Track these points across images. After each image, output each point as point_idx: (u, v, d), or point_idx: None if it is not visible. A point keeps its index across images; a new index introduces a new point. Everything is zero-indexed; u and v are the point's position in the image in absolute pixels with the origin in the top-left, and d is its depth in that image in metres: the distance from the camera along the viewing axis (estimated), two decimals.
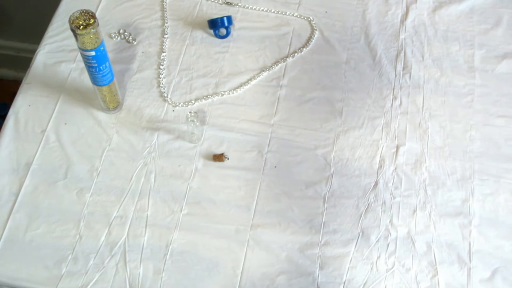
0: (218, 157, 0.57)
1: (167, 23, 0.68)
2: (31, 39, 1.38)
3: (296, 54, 0.66)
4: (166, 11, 0.69)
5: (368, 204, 0.56)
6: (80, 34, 0.48)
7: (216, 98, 0.62)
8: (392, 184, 0.57)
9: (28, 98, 0.61)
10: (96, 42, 0.50)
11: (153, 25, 0.68)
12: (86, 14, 0.48)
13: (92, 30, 0.48)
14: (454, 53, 0.66)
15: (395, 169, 0.58)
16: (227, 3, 0.70)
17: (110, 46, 0.65)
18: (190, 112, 0.56)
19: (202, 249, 0.53)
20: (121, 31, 0.67)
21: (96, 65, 0.52)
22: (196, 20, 0.68)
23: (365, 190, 0.57)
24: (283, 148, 0.59)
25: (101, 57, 0.52)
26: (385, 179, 0.57)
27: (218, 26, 0.65)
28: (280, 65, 0.65)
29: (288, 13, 0.69)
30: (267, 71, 0.64)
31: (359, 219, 0.55)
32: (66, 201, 0.55)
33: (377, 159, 0.59)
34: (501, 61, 0.65)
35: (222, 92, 0.62)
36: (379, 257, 0.53)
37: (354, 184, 0.57)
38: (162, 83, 0.63)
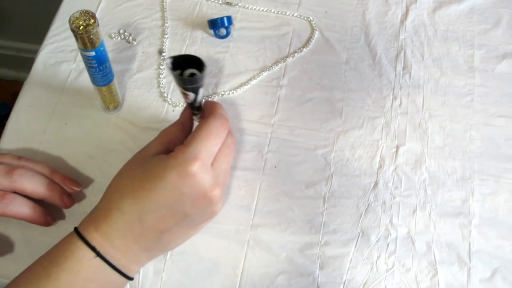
0: None
1: (167, 23, 0.68)
2: (31, 39, 1.39)
3: (296, 54, 0.66)
4: (166, 11, 0.69)
5: (368, 204, 0.56)
6: (80, 34, 0.48)
7: (216, 98, 0.62)
8: (392, 184, 0.57)
9: (28, 98, 0.61)
10: (96, 42, 0.50)
11: (153, 25, 0.68)
12: (86, 14, 0.48)
13: (92, 30, 0.48)
14: (454, 53, 0.66)
15: (395, 169, 0.58)
16: (227, 3, 0.70)
17: (110, 46, 0.65)
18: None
19: (202, 249, 0.53)
20: (121, 31, 0.67)
21: (96, 65, 0.52)
22: (196, 20, 0.68)
23: (365, 190, 0.57)
24: (283, 148, 0.59)
25: (101, 57, 0.52)
26: (385, 179, 0.57)
27: (218, 26, 0.65)
28: (280, 65, 0.65)
29: (288, 13, 0.69)
30: (267, 71, 0.64)
31: (359, 219, 0.55)
32: None
33: (377, 159, 0.59)
34: (501, 61, 0.65)
35: (222, 92, 0.62)
36: (379, 257, 0.53)
37: (354, 184, 0.57)
38: (162, 83, 0.63)
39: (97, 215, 0.44)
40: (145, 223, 0.43)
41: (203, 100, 0.49)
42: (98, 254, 0.42)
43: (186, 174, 0.43)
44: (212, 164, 0.45)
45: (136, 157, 0.48)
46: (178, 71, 0.45)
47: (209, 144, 0.45)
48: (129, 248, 0.44)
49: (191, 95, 0.47)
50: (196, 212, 0.46)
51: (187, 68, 0.45)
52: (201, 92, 0.47)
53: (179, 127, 0.49)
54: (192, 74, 0.45)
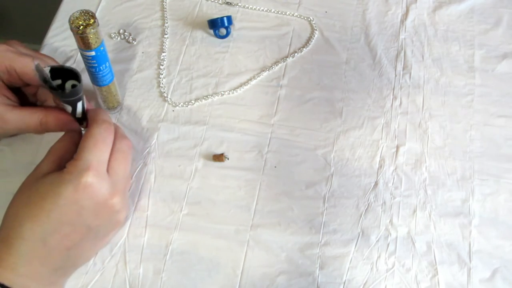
0: (218, 157, 0.57)
1: (167, 23, 0.68)
2: (31, 39, 1.38)
3: (296, 54, 0.66)
4: (166, 11, 0.69)
5: (368, 204, 0.56)
6: (80, 34, 0.48)
7: (216, 98, 0.62)
8: (392, 184, 0.57)
9: None
10: (96, 42, 0.50)
11: (153, 25, 0.68)
12: (86, 14, 0.48)
13: (92, 30, 0.48)
14: (454, 53, 0.66)
15: (395, 169, 0.58)
16: (227, 3, 0.70)
17: (110, 46, 0.65)
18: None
19: (202, 249, 0.53)
20: (121, 31, 0.67)
21: (96, 65, 0.52)
22: (196, 20, 0.68)
23: (365, 190, 0.57)
24: (283, 148, 0.59)
25: (101, 57, 0.52)
26: (385, 179, 0.57)
27: (218, 26, 0.65)
28: (280, 65, 0.65)
29: (288, 13, 0.69)
30: (267, 71, 0.64)
31: (359, 219, 0.55)
32: None
33: (377, 159, 0.59)
34: (501, 61, 0.65)
35: (222, 92, 0.62)
36: (379, 257, 0.53)
37: (354, 184, 0.57)
38: (162, 83, 0.63)
39: None
40: (49, 244, 0.42)
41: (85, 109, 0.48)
42: (2, 286, 0.40)
43: (83, 186, 0.42)
44: (108, 171, 0.45)
45: (28, 180, 0.45)
46: (59, 81, 0.44)
47: (98, 152, 0.44)
48: (37, 272, 0.42)
49: (69, 108, 0.47)
50: (100, 223, 0.45)
51: (58, 79, 0.45)
52: (80, 104, 0.47)
53: (68, 141, 0.48)
54: (74, 86, 0.45)
